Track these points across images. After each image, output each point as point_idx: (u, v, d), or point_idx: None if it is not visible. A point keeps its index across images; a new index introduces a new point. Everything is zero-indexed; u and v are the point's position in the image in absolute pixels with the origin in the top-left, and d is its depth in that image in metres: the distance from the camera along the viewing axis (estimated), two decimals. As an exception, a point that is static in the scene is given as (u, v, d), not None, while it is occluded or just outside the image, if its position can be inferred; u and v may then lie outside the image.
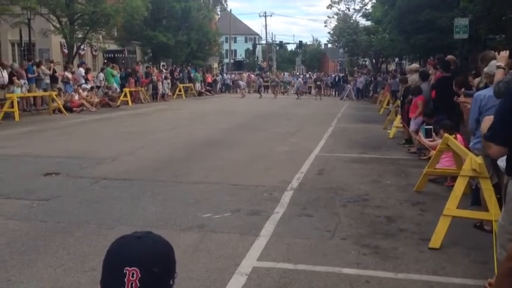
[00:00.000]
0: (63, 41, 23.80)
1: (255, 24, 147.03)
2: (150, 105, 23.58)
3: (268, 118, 17.31)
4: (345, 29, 42.52)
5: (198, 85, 33.39)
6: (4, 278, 3.84)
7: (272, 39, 72.84)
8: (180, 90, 29.66)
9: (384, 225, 5.35)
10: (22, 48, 23.09)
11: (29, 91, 17.85)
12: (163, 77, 27.51)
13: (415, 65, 13.60)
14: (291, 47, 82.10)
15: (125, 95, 22.66)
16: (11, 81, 16.80)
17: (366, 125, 15.94)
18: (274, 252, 4.47)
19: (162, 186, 6.96)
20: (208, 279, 3.87)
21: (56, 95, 17.91)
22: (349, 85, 32.77)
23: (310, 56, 77.86)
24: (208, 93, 34.54)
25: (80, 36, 23.22)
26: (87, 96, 20.34)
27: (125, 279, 1.10)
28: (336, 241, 4.79)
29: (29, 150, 9.79)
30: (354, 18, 43.43)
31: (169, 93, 28.64)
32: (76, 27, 22.82)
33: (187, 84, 31.65)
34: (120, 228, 4.93)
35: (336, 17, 44.68)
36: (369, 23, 37.76)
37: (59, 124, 14.96)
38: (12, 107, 15.67)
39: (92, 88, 21.41)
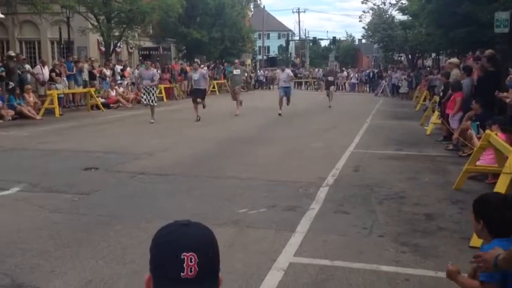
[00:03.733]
0: (101, 38, 24.28)
1: (288, 21, 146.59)
2: (184, 101, 23.81)
3: (301, 114, 17.23)
4: (380, 24, 41.84)
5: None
6: (48, 269, 3.96)
7: (305, 35, 72.37)
8: (213, 87, 29.85)
9: (423, 223, 5.26)
10: (61, 46, 23.68)
11: (68, 88, 18.32)
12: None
13: (455, 60, 13.26)
14: (324, 43, 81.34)
15: (160, 92, 22.95)
16: (51, 78, 17.28)
17: (402, 121, 15.68)
18: (310, 249, 4.46)
19: (198, 182, 7.03)
20: (245, 274, 3.89)
21: (94, 92, 18.33)
22: (384, 81, 32.28)
23: (344, 52, 77.00)
24: (241, 90, 34.62)
25: (116, 34, 23.66)
26: (123, 92, 20.74)
27: (184, 265, 1.12)
28: (373, 238, 4.74)
29: (69, 146, 10.05)
30: (389, 12, 42.70)
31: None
32: (113, 25, 23.25)
33: (221, 81, 31.82)
34: (158, 222, 4.97)
35: (371, 11, 44.04)
36: (405, 17, 37.05)
37: (97, 120, 15.31)
38: (53, 103, 16.12)
39: (127, 85, 21.81)
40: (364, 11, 46.02)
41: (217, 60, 34.96)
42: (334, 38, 63.33)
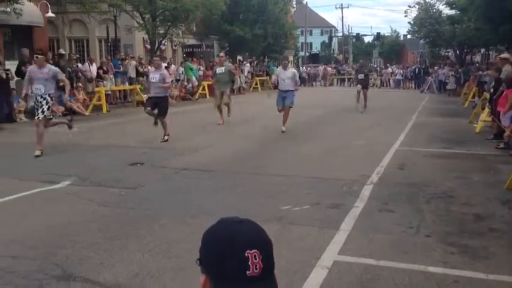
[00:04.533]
0: (146, 36, 24.76)
1: (331, 17, 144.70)
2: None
3: (344, 111, 17.02)
4: (426, 19, 40.74)
5: (274, 78, 33.44)
6: (97, 261, 4.07)
7: (348, 31, 71.49)
8: (256, 84, 29.93)
9: (472, 223, 5.09)
10: (108, 44, 24.30)
11: (115, 85, 18.81)
12: (242, 70, 27.93)
13: (507, 55, 12.77)
14: (368, 39, 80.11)
15: (203, 88, 23.25)
16: (98, 76, 17.78)
17: (449, 119, 15.24)
18: (355, 247, 4.40)
19: (241, 178, 7.07)
20: (289, 271, 3.88)
21: (139, 89, 18.73)
22: (430, 77, 31.45)
23: (388, 48, 75.60)
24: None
25: (161, 31, 24.07)
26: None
27: (249, 263, 1.10)
28: (420, 238, 4.63)
29: (115, 141, 10.32)
30: (436, 7, 41.52)
31: (245, 87, 28.98)
32: (158, 23, 23.66)
33: (264, 78, 31.85)
34: (203, 218, 5.06)
35: (417, 6, 42.95)
36: (453, 11, 35.93)
37: (142, 116, 15.58)
38: (100, 100, 16.58)
39: (172, 82, 22.13)
40: (409, 6, 45.07)
41: (260, 57, 35.00)
42: (378, 33, 62.37)
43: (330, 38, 68.65)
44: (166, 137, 10.23)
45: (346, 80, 41.03)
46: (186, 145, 9.79)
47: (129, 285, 3.64)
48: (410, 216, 5.29)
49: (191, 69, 23.34)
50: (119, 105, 18.85)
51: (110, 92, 18.02)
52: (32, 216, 5.29)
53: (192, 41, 32.07)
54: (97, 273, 3.83)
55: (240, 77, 27.41)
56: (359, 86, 17.35)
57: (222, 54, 15.56)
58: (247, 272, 1.10)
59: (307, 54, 59.04)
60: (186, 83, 22.94)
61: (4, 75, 13.65)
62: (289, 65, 12.64)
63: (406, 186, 6.57)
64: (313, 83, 40.48)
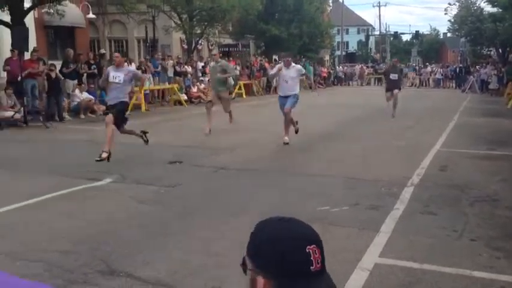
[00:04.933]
0: (183, 36, 25.07)
1: (368, 15, 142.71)
2: (263, 97, 24.04)
3: (382, 111, 16.75)
4: (467, 17, 39.74)
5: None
6: (139, 257, 4.14)
7: (386, 29, 70.42)
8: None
9: (518, 227, 4.93)
10: (147, 44, 24.73)
11: (153, 84, 19.12)
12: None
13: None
14: (406, 38, 78.66)
15: (239, 88, 23.38)
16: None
17: (493, 119, 14.81)
18: (396, 250, 4.33)
19: (279, 177, 7.06)
20: (330, 272, 3.82)
21: (177, 88, 18.99)
22: (471, 76, 30.62)
23: (427, 47, 74.07)
24: (320, 86, 34.34)
25: (198, 31, 24.33)
26: (204, 89, 21.28)
27: (311, 258, 1.11)
28: (464, 242, 4.51)
29: (154, 140, 10.44)
30: (477, 4, 40.42)
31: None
32: (195, 23, 23.93)
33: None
34: (241, 217, 5.09)
35: (457, 4, 41.91)
36: (494, 9, 34.88)
37: (180, 115, 15.83)
38: (139, 99, 16.86)
39: (208, 81, 22.33)
40: (450, 3, 43.73)
41: (295, 57, 34.88)
42: (417, 32, 61.19)
43: (367, 37, 67.78)
44: (104, 154, 7.90)
45: (384, 79, 40.41)
46: (223, 144, 9.85)
47: (170, 282, 3.69)
48: (453, 219, 5.16)
49: (227, 68, 23.48)
50: (157, 104, 19.14)
51: (148, 92, 18.32)
52: (77, 213, 5.43)
53: (228, 41, 32.27)
54: (139, 269, 3.89)
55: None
56: (396, 90, 15.09)
57: (215, 52, 13.97)
58: (311, 267, 1.11)
59: (344, 53, 58.44)
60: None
61: (54, 75, 14.08)
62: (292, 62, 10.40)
63: (448, 188, 6.42)
64: (350, 83, 40.07)
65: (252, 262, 1.15)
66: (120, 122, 8.46)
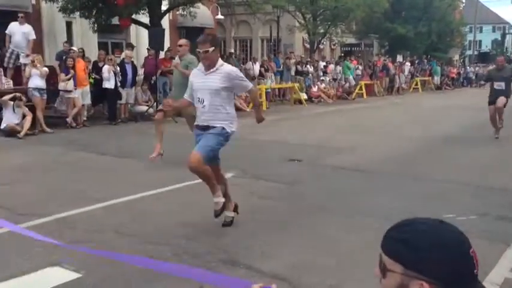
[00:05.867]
0: (305, 36, 25.25)
1: (506, 12, 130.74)
2: (385, 98, 23.33)
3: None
4: None
5: (436, 78, 31.58)
6: (258, 250, 4.27)
7: (526, 27, 64.45)
8: (416, 84, 28.60)
9: None
10: (270, 43, 25.31)
11: (275, 83, 19.54)
12: (402, 70, 26.97)
13: None
14: (549, 36, 71.19)
15: (360, 88, 22.96)
16: (260, 74, 18.66)
17: None
18: (530, 266, 3.98)
19: (400, 181, 6.84)
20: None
21: (297, 87, 19.20)
22: None
23: None
24: (448, 87, 32.47)
25: (321, 31, 24.33)
26: (324, 88, 21.25)
27: (474, 261, 1.12)
28: None
29: (275, 137, 10.72)
30: None
31: (405, 87, 27.84)
32: (318, 22, 23.96)
33: (425, 78, 30.27)
34: (365, 219, 5.03)
35: None
36: None
37: (299, 114, 15.99)
38: (261, 97, 17.35)
39: (329, 81, 22.27)
40: None
41: (422, 56, 33.36)
42: None
43: (503, 35, 62.44)
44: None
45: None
46: (343, 144, 9.77)
47: (288, 277, 3.75)
48: None
49: (349, 68, 23.20)
50: (278, 102, 19.51)
51: (269, 90, 18.74)
52: (203, 202, 5.75)
53: (350, 40, 31.84)
54: (258, 262, 4.02)
55: (399, 77, 26.43)
56: (501, 99, 10.49)
57: (182, 41, 8.37)
58: (475, 270, 1.11)
59: (476, 52, 54.53)
60: (343, 82, 22.87)
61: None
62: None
63: None
64: (480, 84, 37.26)
65: (411, 268, 1.11)
66: None
